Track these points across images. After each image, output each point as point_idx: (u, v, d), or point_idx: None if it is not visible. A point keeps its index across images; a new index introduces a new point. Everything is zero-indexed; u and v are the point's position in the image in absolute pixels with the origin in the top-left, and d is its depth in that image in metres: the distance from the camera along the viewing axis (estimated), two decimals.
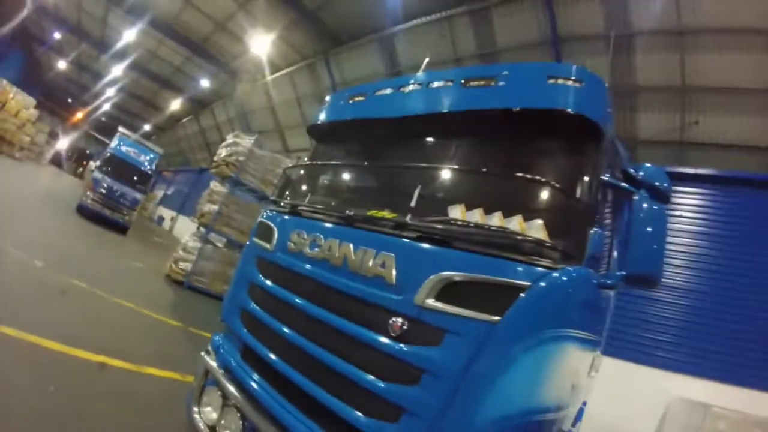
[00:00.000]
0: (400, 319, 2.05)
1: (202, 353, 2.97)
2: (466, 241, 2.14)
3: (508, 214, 2.26)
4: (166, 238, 21.27)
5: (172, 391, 4.28)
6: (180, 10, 18.06)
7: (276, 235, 2.87)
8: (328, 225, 2.67)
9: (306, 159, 3.66)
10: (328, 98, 3.63)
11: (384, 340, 2.08)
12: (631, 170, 2.44)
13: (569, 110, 2.30)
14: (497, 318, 1.86)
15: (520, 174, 2.33)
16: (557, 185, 2.23)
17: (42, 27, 27.43)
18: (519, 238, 2.09)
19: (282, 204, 3.23)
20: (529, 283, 1.89)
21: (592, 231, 2.14)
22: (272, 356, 2.55)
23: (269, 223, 3.02)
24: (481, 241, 2.12)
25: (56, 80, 37.06)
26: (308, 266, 2.58)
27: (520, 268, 1.96)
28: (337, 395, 2.16)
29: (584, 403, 4.75)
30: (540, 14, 10.33)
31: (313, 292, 2.49)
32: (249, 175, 10.60)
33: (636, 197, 2.29)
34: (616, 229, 2.64)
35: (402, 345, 2.02)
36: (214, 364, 2.82)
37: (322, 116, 3.47)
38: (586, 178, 2.27)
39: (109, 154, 16.18)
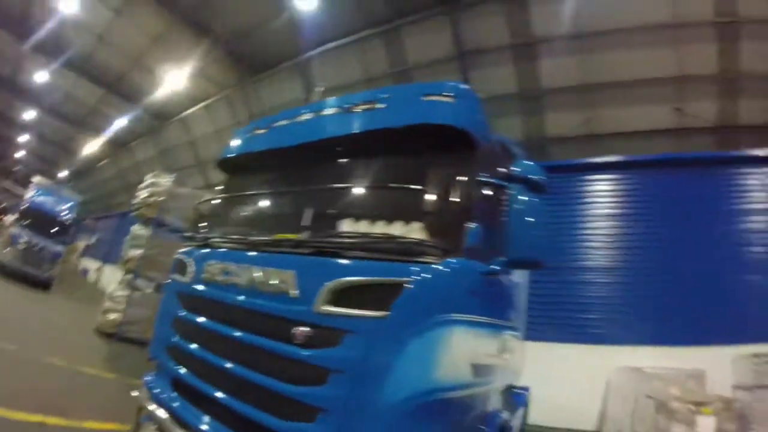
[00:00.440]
0: (304, 328, 2.30)
1: (135, 392, 3.16)
2: (354, 250, 2.45)
3: (393, 222, 2.61)
4: (93, 291, 20.37)
5: None
6: (93, 48, 17.73)
7: (191, 269, 3.15)
8: (236, 252, 2.98)
9: (216, 193, 4.00)
10: (234, 134, 3.97)
11: (292, 348, 2.31)
12: (513, 168, 2.70)
13: (440, 122, 2.62)
14: (385, 313, 2.14)
15: (397, 185, 2.67)
16: (433, 191, 2.53)
17: None
18: (398, 240, 2.42)
19: (195, 238, 3.52)
20: (410, 279, 2.19)
21: (469, 226, 2.44)
22: (198, 381, 2.78)
23: (184, 258, 3.30)
24: (367, 248, 2.43)
25: None
26: (221, 292, 2.86)
27: (401, 267, 2.27)
28: (259, 406, 2.39)
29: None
30: (447, 31, 11.25)
31: (227, 315, 2.76)
32: (171, 215, 10.44)
33: (511, 191, 2.57)
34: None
35: (308, 350, 2.26)
36: (147, 400, 3.01)
37: (228, 151, 3.81)
38: (462, 181, 2.56)
39: (25, 206, 15.45)
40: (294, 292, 2.42)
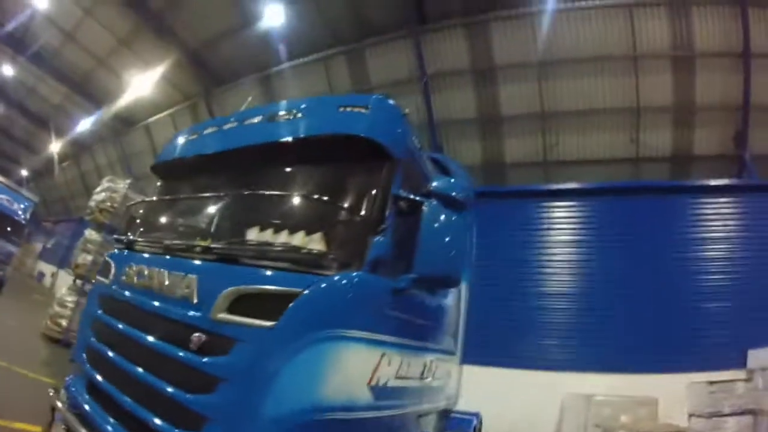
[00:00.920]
0: (199, 334, 2.32)
1: (50, 391, 3.21)
2: (255, 258, 2.52)
3: (297, 231, 2.56)
4: (47, 296, 20.29)
5: None
6: (61, 45, 17.86)
7: (113, 271, 3.26)
8: (152, 256, 3.09)
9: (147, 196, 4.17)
10: (168, 140, 4.13)
11: (188, 354, 2.34)
12: (431, 183, 2.76)
13: (348, 132, 2.69)
14: (272, 323, 2.16)
15: (300, 194, 2.76)
16: (338, 201, 2.61)
17: None
18: (292, 250, 2.45)
19: (122, 241, 3.64)
20: (299, 290, 2.20)
21: (374, 239, 2.47)
22: (107, 384, 2.83)
23: (109, 260, 3.41)
24: (264, 257, 2.50)
25: None
26: (134, 294, 2.94)
27: (294, 277, 2.30)
28: (156, 412, 2.40)
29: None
30: (410, 53, 11.61)
31: (136, 318, 2.81)
32: None
33: (425, 207, 2.59)
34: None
35: (201, 357, 2.28)
36: (59, 401, 3.07)
37: (158, 157, 4.00)
38: (369, 193, 2.61)
39: None
40: (195, 298, 2.47)
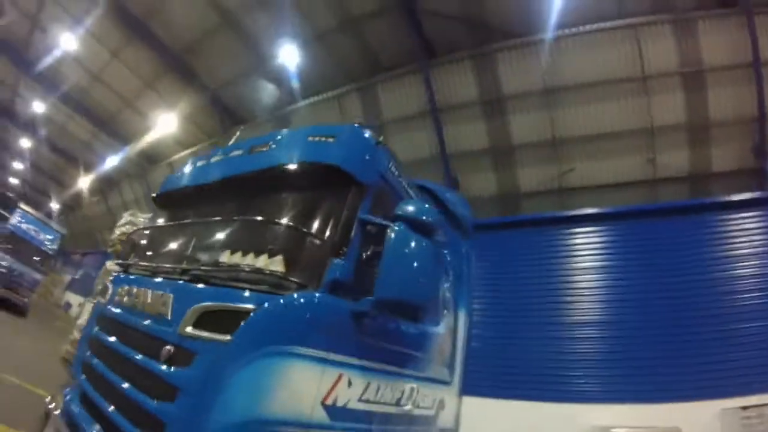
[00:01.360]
0: (169, 347, 2.54)
1: (46, 399, 3.62)
2: (222, 279, 2.74)
3: (263, 254, 2.75)
4: (71, 324, 21.29)
5: None
6: (89, 85, 19.13)
7: (110, 292, 3.65)
8: (140, 278, 3.41)
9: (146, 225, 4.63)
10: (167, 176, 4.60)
11: (157, 365, 2.57)
12: (398, 207, 2.86)
13: (317, 161, 2.93)
14: (228, 338, 2.34)
15: (265, 219, 2.95)
16: (301, 225, 2.80)
17: None
18: (248, 270, 2.65)
19: (121, 265, 4.05)
20: (254, 307, 2.39)
21: (333, 262, 2.65)
22: (93, 392, 3.13)
23: (109, 282, 3.82)
24: (231, 277, 2.71)
25: None
26: (122, 312, 3.27)
27: (252, 296, 2.48)
28: (127, 416, 2.65)
29: None
30: (420, 88, 12.12)
31: (122, 333, 3.13)
32: None
33: (389, 230, 2.68)
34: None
35: (167, 368, 2.50)
36: (52, 407, 3.44)
37: (158, 189, 4.45)
38: (334, 217, 2.80)
39: (8, 231, 16.42)
40: (169, 315, 2.73)
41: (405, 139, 13.46)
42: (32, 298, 15.67)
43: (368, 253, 2.81)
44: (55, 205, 36.62)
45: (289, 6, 11.94)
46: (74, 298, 28.36)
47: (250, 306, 2.42)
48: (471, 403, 10.75)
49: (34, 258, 16.33)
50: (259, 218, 3.02)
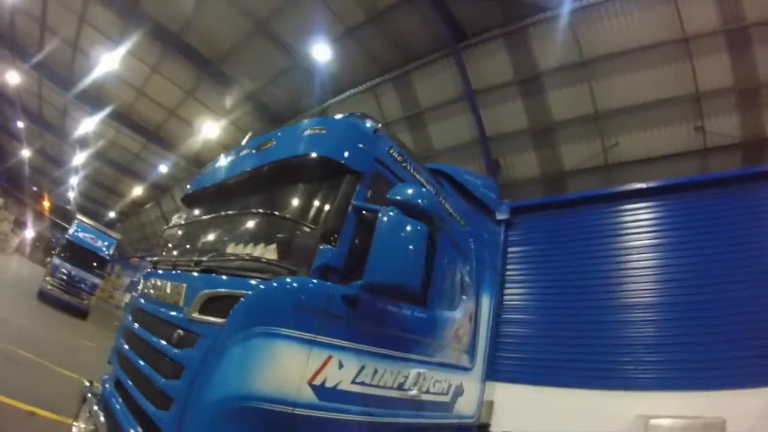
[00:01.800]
0: (180, 331, 2.86)
1: (85, 383, 4.09)
2: (226, 268, 3.03)
3: (262, 244, 3.04)
4: None
5: None
6: (134, 99, 20.53)
7: (140, 285, 4.08)
8: (164, 271, 3.78)
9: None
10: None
11: (169, 347, 2.89)
12: (391, 192, 2.97)
13: (309, 153, 3.11)
14: (223, 320, 2.59)
15: (266, 211, 3.19)
16: (294, 215, 3.03)
17: (5, 115, 30.18)
18: (242, 258, 2.93)
19: (152, 261, 4.42)
20: (245, 292, 2.62)
21: (323, 248, 2.79)
22: (122, 375, 3.54)
23: (141, 277, 4.27)
24: (233, 266, 2.99)
25: (21, 169, 39.98)
26: (147, 303, 3.65)
27: (248, 282, 2.71)
28: (144, 393, 3.01)
29: None
30: (454, 72, 12.31)
31: (146, 321, 3.50)
32: None
33: (380, 215, 2.78)
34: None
35: (176, 350, 2.80)
36: (89, 391, 3.90)
37: (185, 191, 4.89)
38: (325, 205, 2.99)
39: (66, 240, 18.19)
40: (182, 302, 3.03)
41: (444, 125, 13.75)
42: (92, 301, 17.18)
43: (364, 239, 2.86)
44: (112, 214, 39.46)
45: (317, 5, 12.39)
46: None
47: (242, 291, 2.65)
48: (508, 390, 11.02)
49: (93, 264, 17.90)
50: (257, 210, 3.32)
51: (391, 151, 3.50)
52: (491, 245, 5.38)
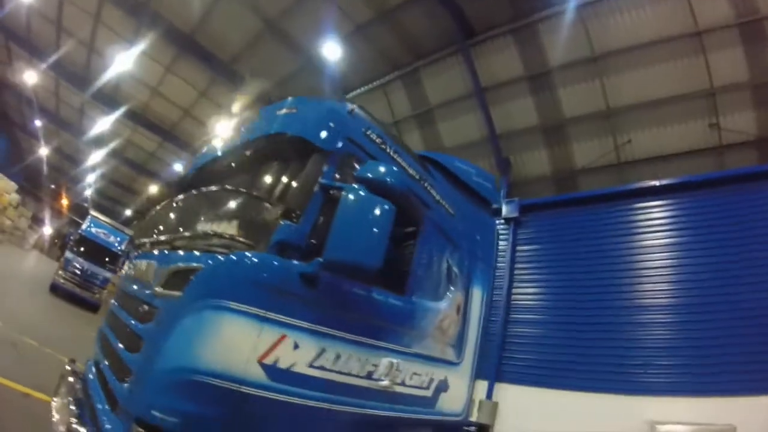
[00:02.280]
0: (146, 306, 2.99)
1: (65, 361, 4.36)
2: (190, 245, 3.16)
3: (225, 221, 3.22)
4: None
5: None
6: (149, 98, 21.33)
7: (126, 269, 4.47)
8: (144, 253, 3.94)
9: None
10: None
11: (135, 322, 3.05)
12: (358, 170, 3.03)
13: (279, 132, 3.24)
14: (179, 293, 2.68)
15: (230, 189, 3.35)
16: (257, 192, 3.14)
17: (23, 114, 31.34)
18: (216, 236, 2.97)
19: (136, 245, 4.65)
20: (201, 266, 2.71)
21: (282, 224, 2.80)
22: (100, 354, 3.69)
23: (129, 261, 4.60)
24: (195, 243, 3.11)
25: (39, 166, 41.23)
26: (127, 283, 3.85)
27: (200, 256, 2.82)
28: (114, 371, 3.11)
29: None
30: (463, 69, 12.49)
31: (124, 300, 3.69)
32: None
33: (345, 191, 2.78)
34: None
35: (140, 324, 2.95)
36: (69, 370, 4.06)
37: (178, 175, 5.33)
38: (288, 183, 3.08)
39: (79, 235, 19.01)
40: (150, 279, 3.18)
41: (453, 123, 13.99)
42: (103, 295, 17.80)
43: (331, 218, 2.83)
44: (128, 212, 40.77)
45: (327, 3, 12.71)
46: None
47: (199, 265, 2.73)
48: (513, 391, 11.22)
49: (105, 258, 18.68)
50: (222, 188, 3.44)
51: (368, 132, 3.54)
52: (485, 237, 5.33)
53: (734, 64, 10.02)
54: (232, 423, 2.53)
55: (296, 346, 2.75)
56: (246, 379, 2.53)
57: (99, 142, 28.39)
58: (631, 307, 9.69)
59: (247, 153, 3.63)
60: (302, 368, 2.79)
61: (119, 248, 19.51)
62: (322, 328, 2.91)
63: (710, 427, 7.15)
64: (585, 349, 9.88)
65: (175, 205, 4.28)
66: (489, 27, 12.02)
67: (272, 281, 2.70)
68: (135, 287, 3.53)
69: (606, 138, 11.90)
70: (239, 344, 2.56)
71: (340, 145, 3.22)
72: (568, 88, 11.91)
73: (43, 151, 36.78)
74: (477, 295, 4.87)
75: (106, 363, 3.38)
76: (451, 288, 4.31)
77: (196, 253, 2.92)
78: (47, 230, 49.93)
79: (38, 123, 30.77)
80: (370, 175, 2.89)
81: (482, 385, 11.10)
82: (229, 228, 3.11)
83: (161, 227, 4.25)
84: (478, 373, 11.65)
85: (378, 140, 3.61)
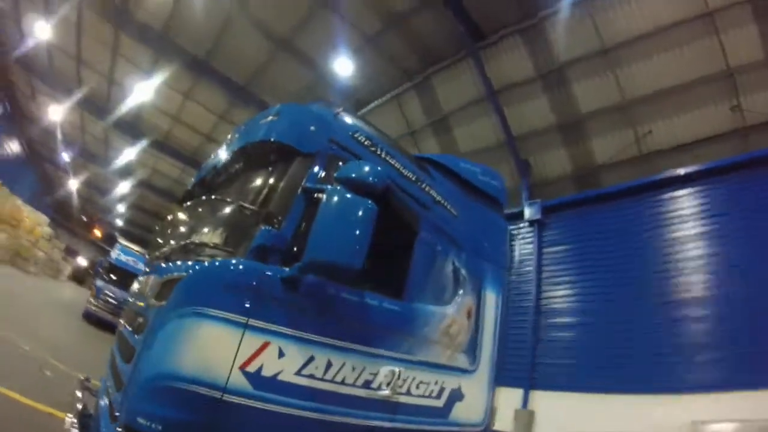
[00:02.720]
0: (141, 318, 3.09)
1: (81, 378, 4.41)
2: (181, 256, 3.25)
3: (212, 230, 3.39)
4: None
5: None
6: (170, 126, 22.35)
7: (134, 285, 4.46)
8: (149, 268, 4.10)
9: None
10: None
11: (132, 335, 3.16)
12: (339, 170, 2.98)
13: (260, 140, 3.33)
14: (163, 303, 2.75)
15: (217, 199, 3.55)
16: (240, 200, 3.15)
17: (50, 148, 33.14)
18: (201, 245, 3.12)
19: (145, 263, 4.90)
20: (184, 274, 2.79)
21: (262, 229, 2.86)
22: (108, 369, 3.80)
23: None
24: (185, 254, 3.23)
25: (69, 198, 44.13)
26: (132, 299, 3.99)
27: (182, 265, 2.93)
28: (115, 383, 3.22)
29: None
30: (474, 73, 12.70)
31: (128, 317, 3.80)
32: None
33: (325, 192, 2.78)
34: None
35: (135, 336, 3.04)
36: (83, 386, 4.22)
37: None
38: (269, 188, 3.11)
39: (109, 263, 19.79)
40: (147, 291, 3.29)
41: (469, 128, 14.17)
42: None
43: (301, 219, 2.96)
44: None
45: (335, 17, 13.17)
46: None
47: (183, 274, 2.80)
48: (549, 398, 11.22)
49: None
50: (208, 199, 3.67)
51: (356, 135, 3.58)
52: (495, 237, 5.06)
53: (749, 43, 9.96)
54: (215, 430, 2.56)
55: (281, 354, 2.76)
56: (228, 388, 2.55)
57: (125, 171, 29.78)
58: (668, 302, 9.84)
59: (235, 163, 3.73)
60: (289, 376, 2.78)
61: None
62: (309, 335, 2.89)
63: (756, 424, 7.47)
64: (621, 350, 10.05)
65: (173, 219, 4.54)
66: (497, 29, 12.22)
67: (250, 286, 2.72)
68: (137, 302, 3.69)
69: (625, 131, 11.89)
70: (219, 351, 2.60)
71: (322, 148, 3.28)
72: (582, 84, 11.95)
73: (72, 184, 38.75)
74: (491, 298, 4.64)
75: (110, 377, 3.52)
76: (459, 291, 4.18)
77: (186, 263, 3.02)
78: (81, 261, 52.20)
79: (65, 156, 32.40)
80: (348, 174, 2.85)
81: (516, 394, 11.44)
82: (215, 237, 3.26)
83: (162, 241, 4.41)
84: (510, 382, 11.91)
85: (367, 142, 3.64)
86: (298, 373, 2.82)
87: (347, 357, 3.07)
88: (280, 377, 2.74)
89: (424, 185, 4.02)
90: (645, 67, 11.07)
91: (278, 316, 2.78)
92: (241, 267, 2.75)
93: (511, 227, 13.42)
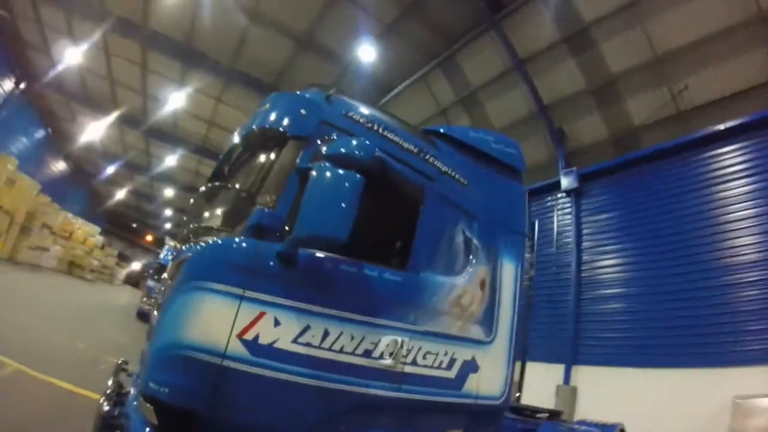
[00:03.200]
0: (168, 297, 3.22)
1: (117, 361, 4.83)
2: (196, 239, 3.52)
3: (222, 214, 3.79)
4: None
5: None
6: (206, 130, 23.49)
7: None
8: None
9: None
10: None
11: (162, 314, 3.26)
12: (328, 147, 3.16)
13: (254, 128, 3.61)
14: (175, 282, 3.09)
15: (224, 185, 3.98)
16: (240, 185, 3.54)
17: (95, 164, 35.61)
18: (207, 228, 3.51)
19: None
20: (189, 255, 3.15)
21: (256, 209, 3.12)
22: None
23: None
24: (199, 236, 3.55)
25: (118, 208, 47.63)
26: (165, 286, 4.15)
27: (191, 247, 3.29)
28: (142, 360, 3.56)
29: (612, 428, 5.27)
30: (498, 45, 12.73)
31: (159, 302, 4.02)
32: None
33: (312, 169, 2.96)
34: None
35: (162, 313, 3.21)
36: (120, 369, 4.71)
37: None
38: (264, 171, 3.35)
39: (158, 263, 20.87)
40: (177, 274, 3.35)
41: (499, 102, 14.26)
42: None
43: (296, 198, 3.15)
44: None
45: (352, 8, 13.52)
46: None
47: (188, 255, 3.17)
48: (592, 373, 11.33)
49: None
50: (213, 187, 4.14)
51: (350, 114, 3.71)
52: (511, 204, 4.99)
53: None
54: (216, 394, 2.80)
55: (277, 323, 2.98)
56: (228, 354, 2.80)
57: (168, 177, 31.55)
58: (714, 268, 9.74)
59: (237, 153, 4.12)
60: (286, 344, 2.99)
61: None
62: (305, 305, 3.09)
63: None
64: (664, 322, 10.03)
65: (190, 209, 5.15)
66: None
67: (246, 261, 2.99)
68: (163, 288, 4.11)
69: (660, 89, 11.65)
70: (218, 320, 2.86)
71: (314, 129, 3.46)
72: (610, 42, 11.76)
73: (120, 194, 41.49)
74: (508, 267, 4.58)
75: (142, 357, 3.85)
76: (472, 261, 4.19)
77: (193, 245, 3.36)
78: (135, 265, 55.41)
79: (109, 169, 34.56)
80: (333, 150, 3.05)
81: (557, 370, 11.70)
82: (218, 220, 3.73)
83: (184, 230, 4.66)
84: (551, 357, 12.12)
85: (362, 120, 3.77)
86: (295, 341, 3.02)
87: (345, 326, 3.23)
88: (276, 345, 2.95)
89: (428, 157, 4.09)
90: (673, 18, 10.78)
91: (273, 288, 3.01)
92: (236, 244, 3.07)
93: (548, 198, 13.63)
